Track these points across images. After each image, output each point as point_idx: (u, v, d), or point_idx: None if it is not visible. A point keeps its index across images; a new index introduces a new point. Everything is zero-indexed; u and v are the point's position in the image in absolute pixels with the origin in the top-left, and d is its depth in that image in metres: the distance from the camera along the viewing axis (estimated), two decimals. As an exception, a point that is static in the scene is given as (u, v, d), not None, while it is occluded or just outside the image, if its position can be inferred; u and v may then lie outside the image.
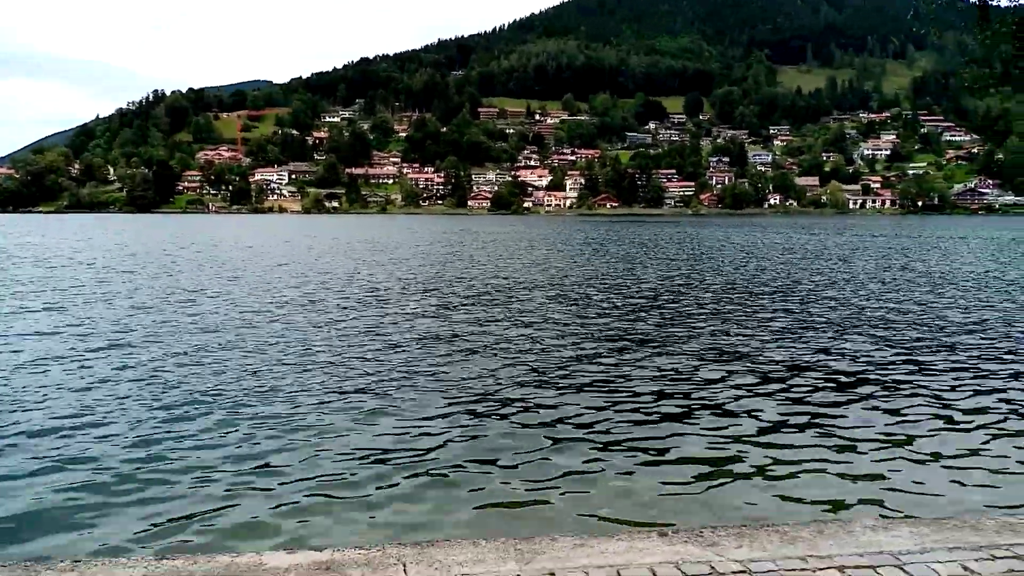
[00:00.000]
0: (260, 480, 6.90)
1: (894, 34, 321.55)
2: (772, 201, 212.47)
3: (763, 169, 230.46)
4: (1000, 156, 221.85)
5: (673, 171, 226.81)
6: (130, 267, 31.29)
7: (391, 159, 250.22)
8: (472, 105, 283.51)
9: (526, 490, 6.64)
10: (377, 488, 6.70)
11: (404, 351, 12.88)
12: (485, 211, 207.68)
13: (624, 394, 9.98)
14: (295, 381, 10.63)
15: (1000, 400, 9.77)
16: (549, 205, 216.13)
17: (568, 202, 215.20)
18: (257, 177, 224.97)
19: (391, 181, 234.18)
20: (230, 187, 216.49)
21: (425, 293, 21.97)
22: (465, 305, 19.23)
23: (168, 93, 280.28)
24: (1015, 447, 7.82)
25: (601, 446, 7.84)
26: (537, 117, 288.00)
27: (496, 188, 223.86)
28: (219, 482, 6.85)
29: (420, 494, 6.58)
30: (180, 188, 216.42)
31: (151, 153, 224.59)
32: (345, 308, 18.57)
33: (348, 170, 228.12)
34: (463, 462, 7.36)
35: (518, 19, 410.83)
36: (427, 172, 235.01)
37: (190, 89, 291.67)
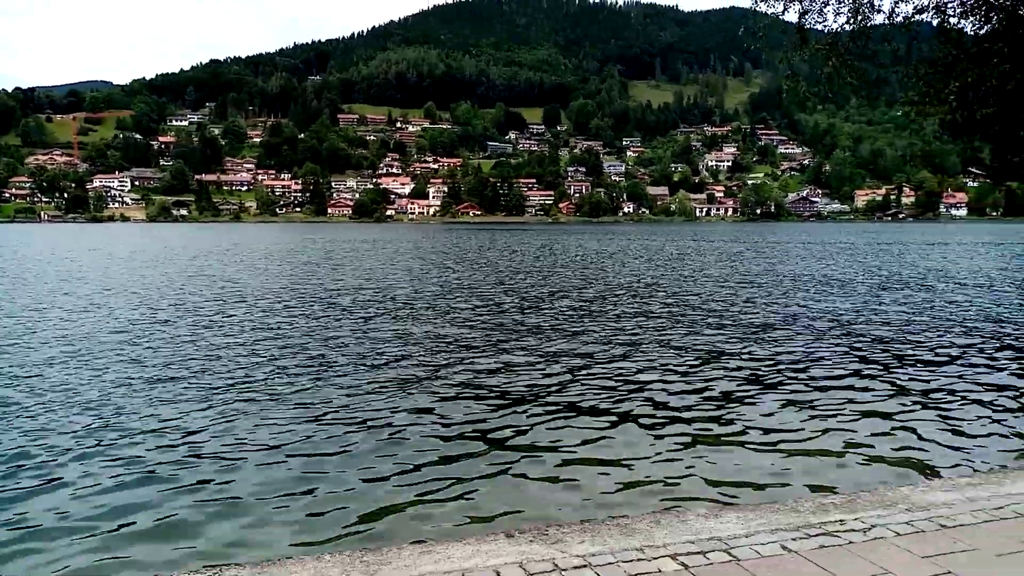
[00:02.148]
0: (83, 510, 6.42)
1: (733, 52, 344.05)
2: (626, 209, 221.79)
3: (617, 179, 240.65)
4: (827, 167, 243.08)
5: (533, 180, 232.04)
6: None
7: (245, 165, 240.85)
8: (331, 111, 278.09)
9: (373, 500, 6.55)
10: (212, 507, 6.39)
11: (239, 360, 12.38)
12: (346, 219, 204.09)
13: (467, 397, 10.07)
14: (104, 398, 9.98)
15: (816, 389, 10.62)
16: (412, 213, 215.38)
17: (431, 210, 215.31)
18: (96, 184, 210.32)
19: (245, 188, 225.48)
20: (65, 194, 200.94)
21: (270, 302, 21.23)
22: (303, 314, 18.76)
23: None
24: (835, 430, 8.54)
25: (447, 451, 7.86)
26: (398, 125, 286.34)
27: (357, 195, 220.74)
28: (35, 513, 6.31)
29: (259, 510, 6.33)
30: (7, 196, 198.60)
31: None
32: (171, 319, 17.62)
33: (198, 177, 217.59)
34: (305, 474, 7.16)
35: (377, 26, 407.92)
36: (284, 179, 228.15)
37: (17, 88, 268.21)
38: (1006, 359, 13.02)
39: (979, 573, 3.94)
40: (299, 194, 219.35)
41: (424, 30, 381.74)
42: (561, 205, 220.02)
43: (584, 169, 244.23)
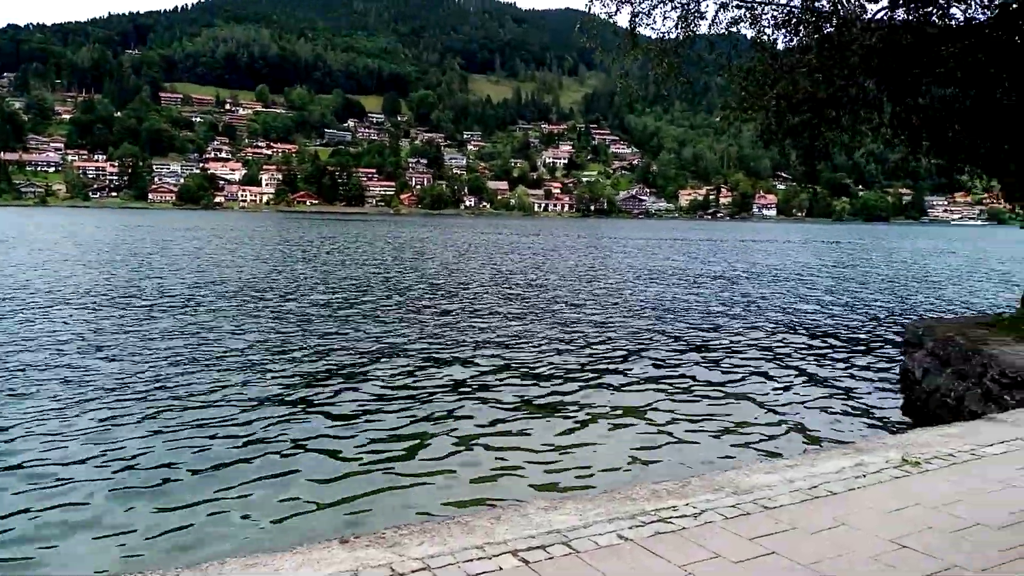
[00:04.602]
0: None
1: (569, 52, 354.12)
2: (468, 203, 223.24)
3: (458, 172, 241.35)
4: (655, 168, 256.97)
5: (374, 170, 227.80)
6: None
7: (53, 144, 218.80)
8: (153, 89, 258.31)
9: (198, 515, 6.05)
10: (22, 530, 5.65)
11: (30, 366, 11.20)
12: (170, 205, 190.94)
13: (294, 407, 9.67)
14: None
15: (644, 381, 11.08)
16: (244, 200, 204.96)
17: (265, 198, 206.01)
18: None
19: (53, 169, 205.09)
20: None
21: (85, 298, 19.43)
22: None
23: None
24: (665, 421, 8.90)
25: (278, 461, 7.46)
26: (228, 107, 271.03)
27: (182, 180, 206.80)
28: None
29: (74, 528, 5.66)
30: None
31: None
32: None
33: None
34: (121, 491, 6.51)
35: (203, 0, 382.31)
36: (98, 161, 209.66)
37: None
38: (814, 348, 14.21)
39: (798, 550, 4.19)
40: (116, 177, 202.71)
41: (255, 8, 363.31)
42: (403, 196, 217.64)
43: (426, 161, 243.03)
